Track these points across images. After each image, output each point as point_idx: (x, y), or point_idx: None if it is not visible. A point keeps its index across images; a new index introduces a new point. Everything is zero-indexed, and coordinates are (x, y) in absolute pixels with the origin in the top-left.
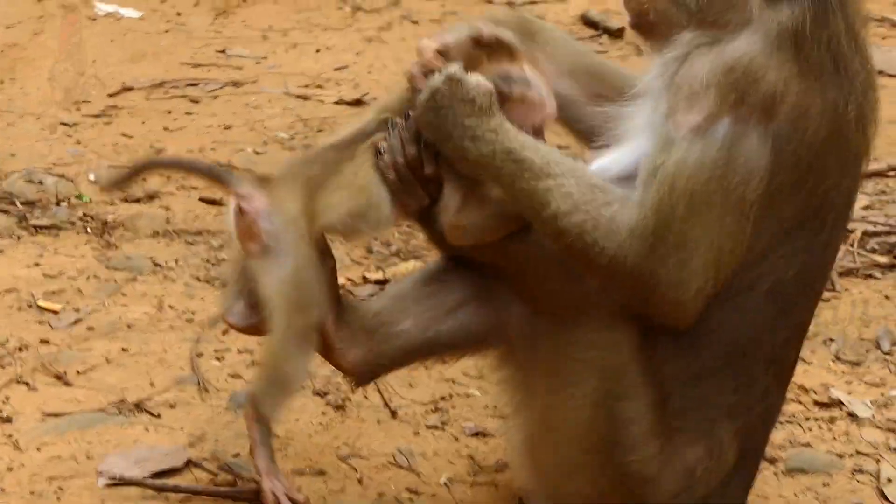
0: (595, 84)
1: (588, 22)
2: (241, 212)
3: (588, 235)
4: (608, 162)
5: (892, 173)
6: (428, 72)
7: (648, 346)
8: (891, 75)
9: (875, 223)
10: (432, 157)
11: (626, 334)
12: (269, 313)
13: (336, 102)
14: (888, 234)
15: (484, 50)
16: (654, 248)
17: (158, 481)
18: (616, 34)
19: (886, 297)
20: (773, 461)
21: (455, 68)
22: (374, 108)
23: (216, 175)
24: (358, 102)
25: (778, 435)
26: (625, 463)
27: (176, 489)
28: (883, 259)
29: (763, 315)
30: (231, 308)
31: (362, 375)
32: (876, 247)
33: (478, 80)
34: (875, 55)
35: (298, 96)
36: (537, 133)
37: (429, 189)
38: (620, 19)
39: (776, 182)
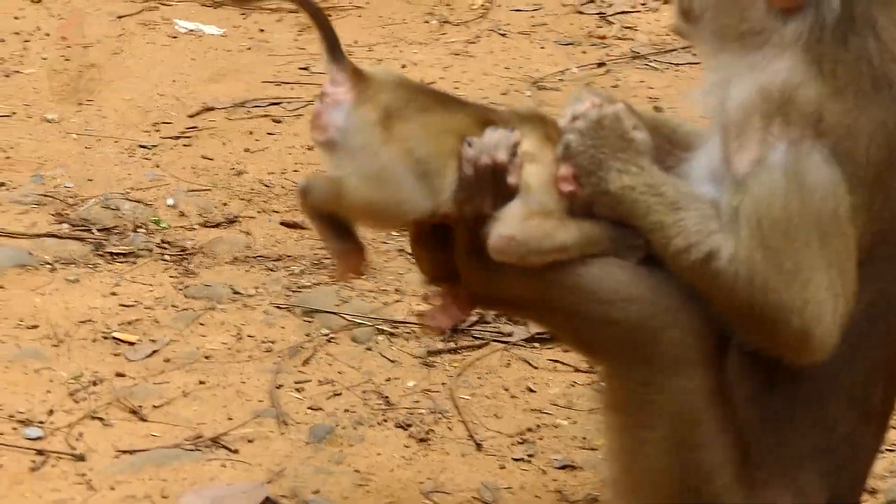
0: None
1: (680, 32)
2: (322, 94)
3: (698, 272)
4: None
5: None
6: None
7: (724, 391)
8: None
9: None
10: (518, 171)
11: (698, 380)
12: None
13: None
14: None
15: None
16: (768, 278)
17: None
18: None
19: None
20: (872, 492)
21: (614, 108)
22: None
23: (328, 34)
24: None
25: (879, 464)
26: None
27: None
28: None
29: (837, 353)
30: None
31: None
32: None
33: (636, 124)
34: None
35: None
36: None
37: (495, 199)
38: None
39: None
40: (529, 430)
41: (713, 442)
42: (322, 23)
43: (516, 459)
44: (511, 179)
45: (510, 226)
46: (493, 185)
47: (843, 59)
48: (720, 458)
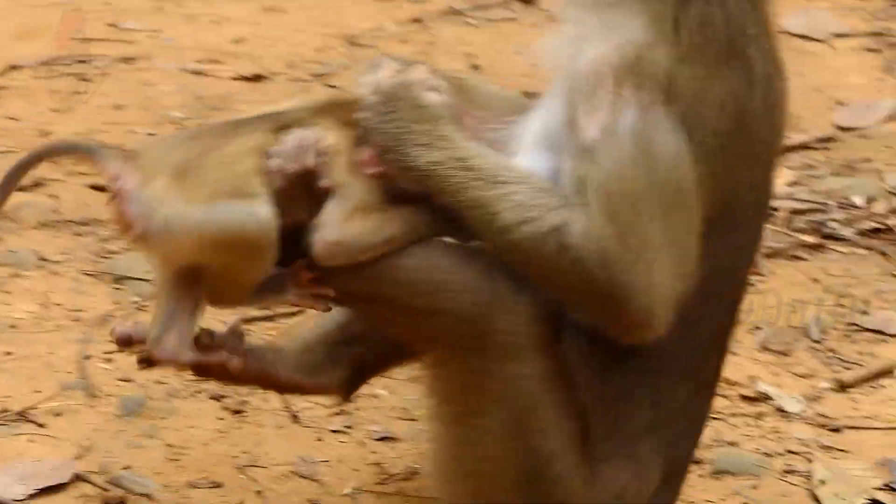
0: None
1: None
2: (109, 196)
3: (542, 248)
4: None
5: (818, 146)
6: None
7: (564, 374)
8: (816, 40)
9: (801, 200)
10: (328, 170)
11: (533, 366)
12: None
13: (234, 78)
14: (814, 211)
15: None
16: (618, 254)
17: (43, 500)
18: (527, 0)
19: (815, 280)
20: (698, 462)
21: (410, 74)
22: (285, 106)
23: (82, 149)
24: (257, 78)
25: (705, 433)
26: (549, 495)
27: None
28: (810, 238)
29: (671, 328)
30: (160, 339)
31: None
32: (803, 225)
33: (431, 85)
34: (800, 19)
35: (194, 72)
36: None
37: (311, 205)
38: None
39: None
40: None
41: (552, 426)
42: (63, 150)
43: (334, 431)
44: (324, 181)
45: (332, 231)
46: (307, 191)
47: (685, 23)
48: (560, 441)
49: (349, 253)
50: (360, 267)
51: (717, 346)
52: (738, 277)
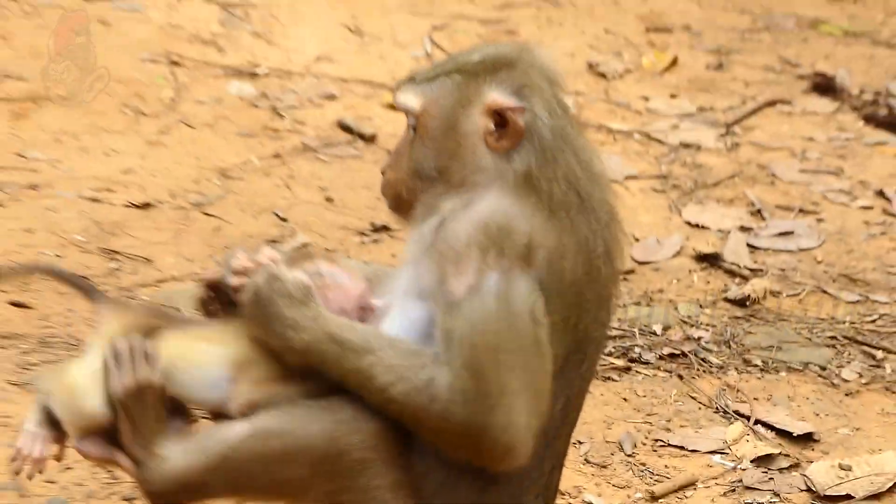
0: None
1: (343, 127)
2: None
3: (414, 402)
4: (401, 321)
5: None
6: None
7: (412, 483)
8: (612, 181)
9: (611, 327)
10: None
11: (380, 478)
12: None
13: (125, 205)
14: (622, 337)
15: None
16: (479, 402)
17: None
18: (369, 139)
19: (625, 399)
20: None
21: (274, 267)
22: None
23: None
24: (146, 206)
25: None
26: None
27: None
28: (619, 362)
29: (534, 452)
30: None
31: None
32: (613, 349)
33: (294, 276)
34: None
35: (91, 199)
36: (365, 315)
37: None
38: (373, 125)
39: (552, 322)
40: None
41: None
42: (67, 279)
43: None
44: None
45: (247, 393)
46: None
47: (556, 176)
48: None
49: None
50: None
51: (560, 464)
52: (579, 402)
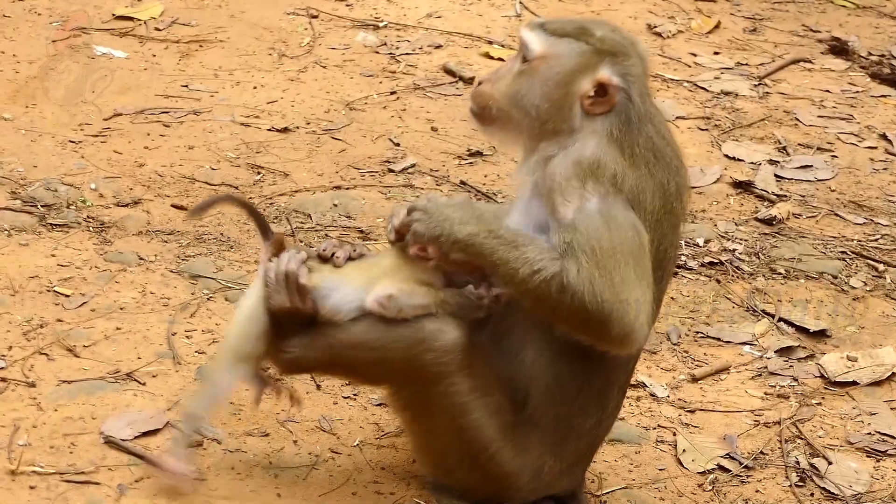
0: None
1: (447, 71)
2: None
3: (549, 290)
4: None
5: None
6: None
7: (491, 382)
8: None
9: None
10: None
11: (458, 384)
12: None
13: (269, 129)
14: None
15: None
16: (604, 290)
17: (144, 441)
18: (468, 81)
19: (672, 298)
20: None
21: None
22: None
23: (261, 224)
24: (285, 130)
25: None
26: (486, 468)
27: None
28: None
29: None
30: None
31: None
32: None
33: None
34: None
35: (242, 123)
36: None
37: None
38: (471, 70)
39: None
40: None
41: (482, 421)
42: (255, 216)
43: (345, 397)
44: (302, 280)
45: (388, 287)
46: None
47: (637, 142)
48: (491, 432)
49: (395, 307)
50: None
51: (636, 361)
52: (658, 312)
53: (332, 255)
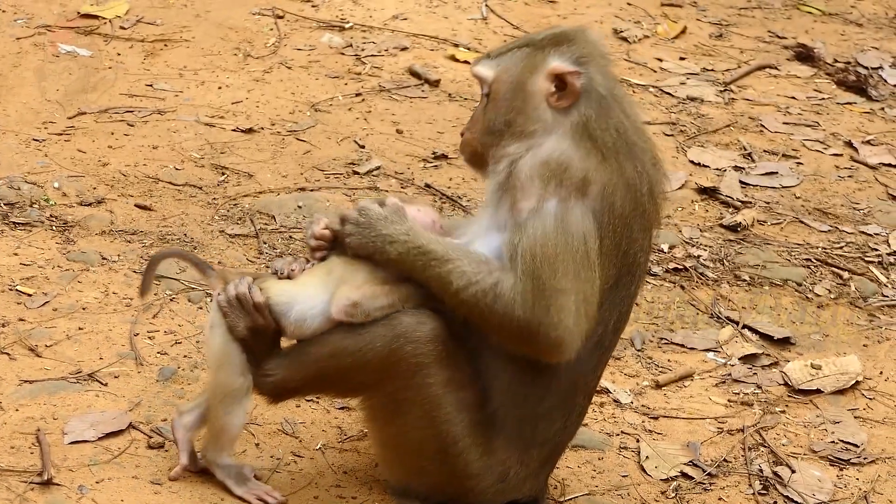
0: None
1: (413, 73)
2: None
3: (482, 302)
4: (482, 247)
5: None
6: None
7: (466, 377)
8: None
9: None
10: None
11: (433, 377)
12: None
13: (233, 130)
14: None
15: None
16: (536, 302)
17: (106, 442)
18: (434, 84)
19: (636, 304)
20: None
21: (363, 202)
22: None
23: (199, 266)
24: (250, 130)
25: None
26: (453, 466)
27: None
28: None
29: (591, 359)
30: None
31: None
32: None
33: (383, 201)
34: None
35: (206, 124)
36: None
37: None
38: (437, 72)
39: (604, 246)
40: None
41: (454, 417)
42: (189, 259)
43: (308, 400)
44: (256, 299)
45: (351, 293)
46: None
47: (607, 129)
48: (461, 428)
49: (362, 313)
50: (305, 358)
51: (603, 367)
52: (627, 317)
53: (289, 273)
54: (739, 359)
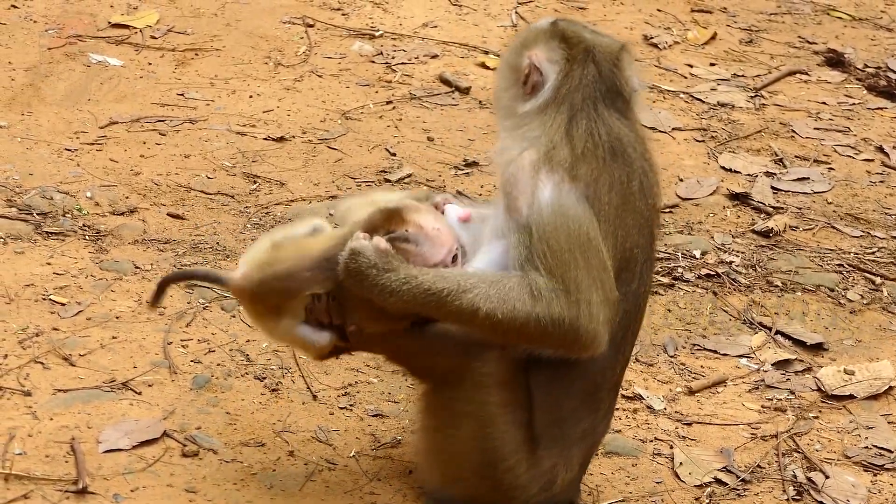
0: None
1: (443, 80)
2: None
3: (519, 313)
4: (485, 259)
5: (666, 211)
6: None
7: (523, 399)
8: (661, 131)
9: (658, 251)
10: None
11: (494, 395)
12: None
13: (265, 138)
14: (667, 259)
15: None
16: (568, 297)
17: (140, 451)
18: (464, 91)
19: (669, 310)
20: None
21: (355, 242)
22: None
23: (212, 278)
24: (280, 139)
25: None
26: (501, 480)
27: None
28: (665, 279)
29: (607, 355)
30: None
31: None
32: (660, 270)
33: (374, 245)
34: (647, 116)
35: (237, 132)
36: (453, 262)
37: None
38: (468, 80)
39: (602, 231)
40: (350, 385)
41: (506, 435)
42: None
43: (341, 408)
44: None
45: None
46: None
47: (576, 134)
48: (512, 445)
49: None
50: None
51: (623, 363)
52: (638, 317)
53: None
54: (772, 365)
